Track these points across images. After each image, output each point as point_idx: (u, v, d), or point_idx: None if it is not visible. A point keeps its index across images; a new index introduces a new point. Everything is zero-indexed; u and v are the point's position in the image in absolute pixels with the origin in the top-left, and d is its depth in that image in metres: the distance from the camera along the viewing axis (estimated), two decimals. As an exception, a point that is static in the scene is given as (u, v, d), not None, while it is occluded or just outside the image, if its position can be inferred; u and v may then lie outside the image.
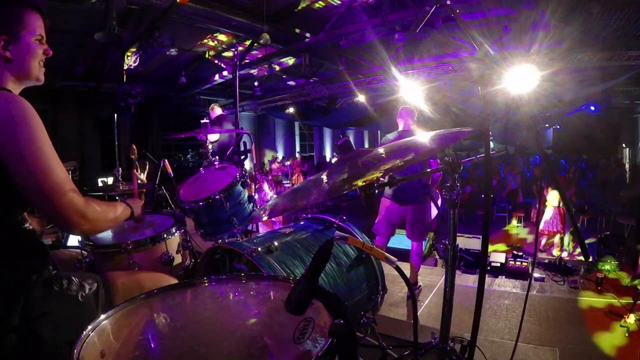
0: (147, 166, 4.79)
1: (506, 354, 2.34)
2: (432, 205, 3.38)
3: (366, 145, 19.89)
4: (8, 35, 1.08)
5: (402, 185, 3.26)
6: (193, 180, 2.54)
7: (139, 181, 3.53)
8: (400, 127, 3.48)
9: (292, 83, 10.92)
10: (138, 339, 0.88)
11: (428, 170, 2.94)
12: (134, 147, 2.01)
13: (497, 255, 3.98)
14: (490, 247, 4.44)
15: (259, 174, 10.06)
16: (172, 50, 7.59)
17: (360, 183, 1.03)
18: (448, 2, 1.31)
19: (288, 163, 14.05)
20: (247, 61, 8.37)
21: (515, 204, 8.40)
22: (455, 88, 8.81)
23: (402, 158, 1.15)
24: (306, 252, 1.70)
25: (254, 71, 9.61)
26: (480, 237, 2.75)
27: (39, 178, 1.00)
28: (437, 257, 4.43)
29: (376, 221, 3.54)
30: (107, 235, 1.93)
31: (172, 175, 3.02)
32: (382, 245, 3.49)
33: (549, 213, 5.81)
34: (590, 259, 4.17)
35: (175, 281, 1.50)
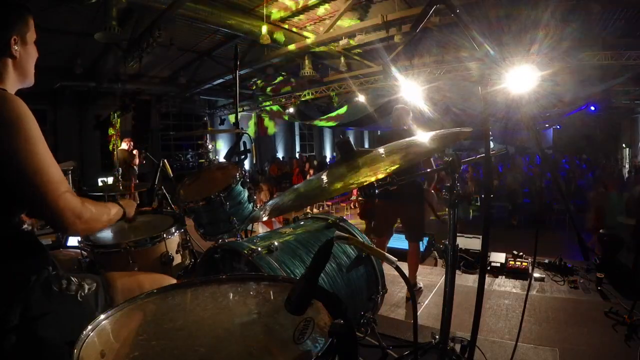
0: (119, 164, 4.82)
1: (506, 354, 2.34)
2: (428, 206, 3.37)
3: (366, 145, 19.87)
4: (18, 35, 1.12)
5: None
6: (193, 180, 2.54)
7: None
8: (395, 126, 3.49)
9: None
10: (138, 339, 0.88)
11: (428, 170, 2.93)
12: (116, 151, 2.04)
13: (497, 255, 3.98)
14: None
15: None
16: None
17: (360, 183, 1.03)
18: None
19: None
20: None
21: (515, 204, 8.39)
22: (455, 88, 8.80)
23: (403, 158, 1.15)
24: (306, 252, 1.69)
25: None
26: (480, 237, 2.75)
27: (34, 179, 1.00)
28: (437, 257, 4.43)
29: (374, 222, 3.53)
30: (106, 235, 1.93)
31: (172, 175, 3.01)
32: (381, 246, 3.48)
33: None
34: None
35: (175, 281, 1.50)
